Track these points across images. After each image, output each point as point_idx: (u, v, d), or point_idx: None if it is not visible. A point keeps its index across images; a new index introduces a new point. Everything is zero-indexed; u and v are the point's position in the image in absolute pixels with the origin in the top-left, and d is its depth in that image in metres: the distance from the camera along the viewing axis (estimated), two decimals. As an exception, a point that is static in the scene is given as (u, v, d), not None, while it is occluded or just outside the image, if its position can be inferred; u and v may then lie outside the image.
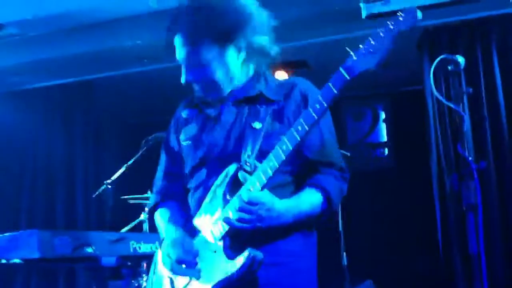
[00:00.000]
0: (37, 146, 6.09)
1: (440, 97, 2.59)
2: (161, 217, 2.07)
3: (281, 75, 5.74)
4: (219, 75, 1.95)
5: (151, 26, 5.03)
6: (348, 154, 4.74)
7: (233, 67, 1.97)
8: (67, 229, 4.51)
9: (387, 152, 6.66)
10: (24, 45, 5.42)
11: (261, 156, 1.81)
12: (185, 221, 1.97)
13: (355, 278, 4.72)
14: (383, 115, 6.73)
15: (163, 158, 2.17)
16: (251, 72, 2.02)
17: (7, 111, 6.09)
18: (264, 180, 1.76)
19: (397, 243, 5.93)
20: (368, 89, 6.59)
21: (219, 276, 1.79)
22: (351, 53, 1.81)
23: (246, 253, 1.74)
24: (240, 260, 1.75)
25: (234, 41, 1.93)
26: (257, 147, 1.84)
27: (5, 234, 3.05)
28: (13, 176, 6.03)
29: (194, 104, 2.09)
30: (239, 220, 1.74)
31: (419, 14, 1.68)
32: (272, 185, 1.80)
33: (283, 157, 1.75)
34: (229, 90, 1.99)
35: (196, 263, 1.85)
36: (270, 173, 1.75)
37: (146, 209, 3.89)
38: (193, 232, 1.91)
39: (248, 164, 1.82)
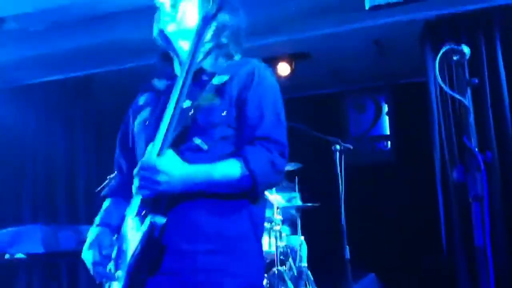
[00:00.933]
0: (38, 141, 6.06)
1: (446, 88, 2.56)
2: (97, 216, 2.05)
3: (284, 67, 5.73)
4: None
5: (152, 19, 5.01)
6: (351, 147, 4.73)
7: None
8: (70, 224, 4.51)
9: (390, 145, 6.65)
10: (24, 39, 5.40)
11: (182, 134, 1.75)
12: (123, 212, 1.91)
13: (358, 272, 4.72)
14: (385, 108, 6.72)
15: (116, 149, 2.15)
16: (207, 47, 1.91)
17: (8, 107, 6.07)
18: (159, 143, 1.69)
19: (400, 237, 5.92)
20: (370, 81, 6.57)
21: (129, 256, 1.72)
22: None
23: (145, 223, 1.66)
24: (138, 234, 1.68)
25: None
26: (179, 128, 1.73)
27: (9, 228, 3.05)
28: (15, 171, 6.02)
29: (151, 87, 2.05)
30: (137, 187, 1.69)
31: None
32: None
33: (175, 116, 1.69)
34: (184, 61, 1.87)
35: (105, 268, 1.81)
36: (163, 134, 1.69)
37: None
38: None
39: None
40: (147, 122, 1.94)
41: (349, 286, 4.36)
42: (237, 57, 1.99)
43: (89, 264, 1.85)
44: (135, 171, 1.70)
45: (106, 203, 2.08)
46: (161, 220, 1.65)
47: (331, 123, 6.34)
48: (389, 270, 5.49)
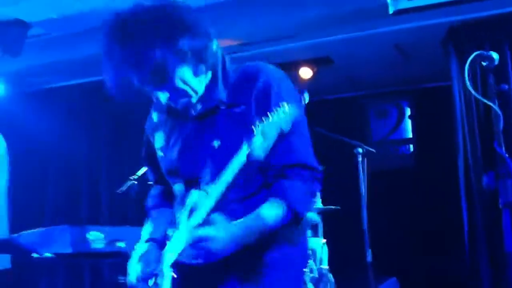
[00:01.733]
0: (62, 143, 6.14)
1: (478, 95, 2.56)
2: (146, 222, 2.05)
3: (305, 72, 5.74)
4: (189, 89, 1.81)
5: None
6: (374, 150, 4.73)
7: (191, 78, 1.79)
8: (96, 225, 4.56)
9: (413, 149, 6.62)
10: (49, 45, 5.47)
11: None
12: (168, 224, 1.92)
13: (379, 276, 4.71)
14: (408, 112, 6.69)
15: (148, 169, 2.12)
16: (206, 75, 1.84)
17: (32, 110, 6.15)
18: (205, 212, 1.68)
19: (423, 241, 5.90)
20: (392, 85, 6.56)
21: None
22: None
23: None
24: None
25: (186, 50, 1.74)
26: (216, 169, 1.73)
27: (38, 229, 3.10)
28: (38, 174, 6.10)
29: (164, 108, 1.96)
30: (192, 255, 1.70)
31: None
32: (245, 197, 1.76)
33: (230, 179, 1.64)
34: (195, 99, 1.84)
35: (146, 283, 1.83)
36: (215, 198, 1.67)
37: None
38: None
39: (205, 192, 1.72)
40: (163, 156, 1.94)
41: (371, 290, 4.36)
42: (227, 63, 1.90)
43: (132, 277, 1.87)
44: (184, 241, 1.70)
45: (150, 217, 2.06)
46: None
47: (352, 127, 6.34)
48: (411, 274, 5.47)
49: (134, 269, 1.87)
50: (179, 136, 1.90)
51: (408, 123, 6.67)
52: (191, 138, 1.87)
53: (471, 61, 2.41)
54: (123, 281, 4.11)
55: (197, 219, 1.70)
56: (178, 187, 1.91)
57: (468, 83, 2.34)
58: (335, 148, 4.92)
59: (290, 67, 5.77)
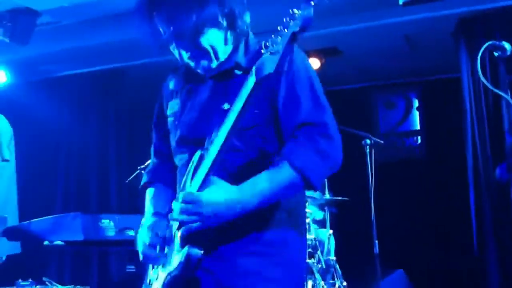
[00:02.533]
0: (71, 132, 6.18)
1: (490, 86, 2.54)
2: (146, 199, 2.03)
3: (314, 62, 5.73)
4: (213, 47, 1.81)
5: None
6: (381, 142, 4.73)
7: (218, 43, 1.82)
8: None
9: (420, 140, 6.61)
10: (58, 33, 5.48)
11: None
12: (169, 202, 1.86)
13: (386, 267, 4.72)
14: (416, 103, 6.68)
15: (153, 134, 2.09)
16: (230, 44, 1.85)
17: (42, 98, 6.18)
18: (203, 175, 1.65)
19: (430, 233, 5.90)
20: (401, 77, 6.54)
21: (169, 269, 1.75)
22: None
23: (183, 250, 1.67)
24: (177, 258, 1.70)
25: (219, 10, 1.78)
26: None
27: (50, 216, 3.12)
28: (48, 162, 6.13)
29: (182, 73, 1.98)
30: (182, 221, 1.67)
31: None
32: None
33: (223, 139, 1.60)
34: (215, 64, 1.84)
35: (163, 248, 1.81)
36: (209, 162, 1.63)
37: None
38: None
39: (208, 149, 1.69)
40: (176, 122, 1.93)
41: (377, 281, 4.36)
42: (251, 36, 1.90)
43: (141, 245, 1.86)
44: (176, 205, 1.68)
45: (150, 192, 2.05)
46: (197, 253, 1.67)
47: (360, 118, 6.32)
48: (418, 266, 5.47)
49: (142, 238, 1.87)
50: (194, 100, 1.89)
51: (416, 115, 6.66)
52: (204, 101, 1.86)
53: (485, 51, 2.40)
54: (131, 270, 4.14)
55: (197, 181, 1.68)
56: (182, 157, 1.90)
57: (481, 74, 2.33)
58: (343, 139, 4.93)
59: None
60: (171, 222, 1.81)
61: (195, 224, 1.65)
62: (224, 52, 1.84)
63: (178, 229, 1.72)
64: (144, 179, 2.09)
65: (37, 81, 6.27)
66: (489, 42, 2.34)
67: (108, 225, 2.94)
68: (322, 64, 5.77)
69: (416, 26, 5.14)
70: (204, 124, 1.81)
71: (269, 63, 1.53)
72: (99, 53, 5.77)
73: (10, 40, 4.96)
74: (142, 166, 4.52)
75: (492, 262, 4.43)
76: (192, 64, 1.85)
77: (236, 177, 1.71)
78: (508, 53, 2.40)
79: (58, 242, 3.05)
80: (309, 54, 5.65)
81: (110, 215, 3.07)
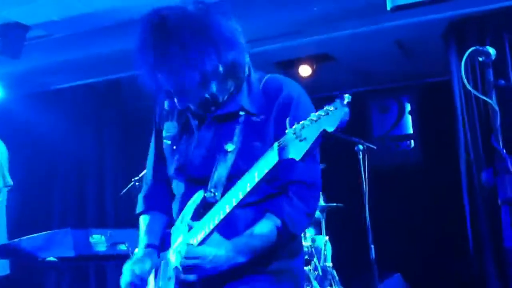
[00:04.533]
0: (68, 145, 6.17)
1: (473, 91, 2.56)
2: (140, 227, 2.05)
3: (305, 69, 5.74)
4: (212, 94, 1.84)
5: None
6: (375, 147, 4.73)
7: (216, 85, 1.83)
8: (98, 227, 4.58)
9: (414, 144, 6.61)
10: (51, 46, 5.49)
11: (230, 182, 1.72)
12: (163, 229, 1.95)
13: (383, 272, 4.71)
14: (409, 107, 6.68)
15: (151, 151, 2.09)
16: (231, 87, 1.87)
17: (37, 111, 6.18)
18: (209, 229, 1.69)
19: (426, 237, 5.89)
20: (393, 81, 6.54)
21: None
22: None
23: None
24: None
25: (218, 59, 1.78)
26: (225, 173, 1.77)
27: (40, 233, 3.11)
28: (45, 174, 6.13)
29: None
30: (184, 272, 1.72)
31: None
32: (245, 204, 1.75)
33: (238, 199, 1.64)
34: (213, 108, 1.88)
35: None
36: (220, 217, 1.67)
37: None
38: (167, 243, 1.89)
39: (212, 194, 1.76)
40: (174, 147, 1.93)
41: (375, 286, 4.35)
42: (252, 74, 1.91)
43: (125, 281, 1.88)
44: (177, 257, 1.73)
45: (145, 221, 2.05)
46: None
47: (354, 123, 6.28)
48: (415, 270, 5.47)
49: (127, 271, 1.88)
50: (195, 133, 1.90)
51: (409, 119, 6.67)
52: (205, 138, 1.87)
53: (469, 56, 2.41)
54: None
55: (199, 229, 1.71)
56: (179, 185, 1.92)
57: (465, 79, 2.33)
58: (337, 145, 4.92)
59: (289, 65, 5.78)
60: (166, 254, 1.84)
61: (191, 277, 1.72)
62: (222, 96, 1.85)
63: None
64: (140, 206, 2.09)
65: (32, 95, 6.27)
66: (473, 48, 2.35)
67: (99, 240, 2.93)
68: (313, 70, 5.78)
69: (407, 31, 5.16)
70: (206, 161, 1.84)
71: (295, 147, 1.53)
72: (94, 65, 5.77)
73: (1, 54, 4.98)
74: (136, 178, 4.53)
75: (489, 264, 4.42)
76: (198, 111, 1.88)
77: (236, 218, 1.78)
78: (493, 57, 2.41)
79: (51, 259, 3.04)
80: (301, 60, 5.73)
81: (101, 230, 3.07)
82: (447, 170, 5.14)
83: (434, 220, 5.86)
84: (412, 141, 6.62)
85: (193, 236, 1.73)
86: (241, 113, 1.84)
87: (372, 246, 4.40)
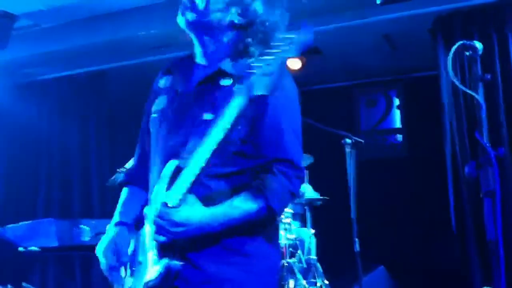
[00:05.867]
0: (52, 136, 6.13)
1: (460, 85, 2.57)
2: (118, 202, 2.04)
3: (295, 62, 5.73)
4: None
5: (164, 15, 5.03)
6: (362, 141, 4.74)
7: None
8: (84, 218, 4.57)
9: (401, 138, 6.64)
10: (38, 36, 5.45)
11: None
12: (142, 206, 1.91)
13: (367, 264, 4.74)
14: (397, 101, 6.71)
15: (140, 133, 2.08)
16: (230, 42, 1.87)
17: (22, 102, 6.13)
18: (185, 189, 1.66)
19: (411, 230, 5.92)
20: (381, 75, 6.56)
21: (146, 279, 1.76)
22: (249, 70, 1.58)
23: (162, 263, 1.71)
24: (156, 268, 1.73)
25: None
26: (200, 142, 1.69)
27: (23, 222, 3.09)
28: (29, 166, 6.08)
29: (169, 70, 2.00)
30: (155, 232, 1.71)
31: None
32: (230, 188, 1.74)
33: (208, 155, 1.62)
34: (210, 55, 1.87)
35: (119, 273, 1.84)
36: (192, 177, 1.65)
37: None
38: (142, 221, 1.86)
39: (184, 160, 1.70)
40: (159, 123, 1.91)
41: (359, 279, 4.38)
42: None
43: (103, 265, 1.87)
44: (151, 214, 1.71)
45: (123, 194, 2.04)
46: (176, 264, 1.72)
47: (341, 117, 6.34)
48: (399, 262, 5.50)
49: (103, 256, 1.87)
50: (178, 103, 1.89)
51: (397, 113, 6.69)
52: (184, 107, 1.86)
53: (456, 50, 2.41)
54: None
55: (176, 195, 1.68)
56: (155, 158, 1.89)
57: (451, 73, 2.34)
58: (324, 138, 4.93)
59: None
60: (143, 230, 1.81)
61: (162, 238, 1.69)
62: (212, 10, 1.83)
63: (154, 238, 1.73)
64: (120, 178, 2.08)
65: (17, 85, 6.22)
66: (460, 42, 2.35)
67: (84, 230, 2.92)
68: (303, 64, 5.77)
69: (395, 25, 5.17)
70: (181, 130, 1.81)
71: (261, 83, 1.54)
72: (79, 55, 5.74)
73: (-12, 44, 4.94)
74: (121, 169, 4.50)
75: (473, 257, 4.46)
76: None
77: (214, 194, 1.76)
78: (480, 52, 2.41)
79: (33, 248, 3.03)
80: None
81: (86, 220, 3.06)
82: (434, 164, 5.17)
83: (419, 213, 5.89)
84: (400, 135, 6.65)
85: (168, 200, 1.70)
86: (221, 79, 1.81)
87: (357, 239, 4.42)
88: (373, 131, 6.72)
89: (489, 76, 2.42)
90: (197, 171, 1.64)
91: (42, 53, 5.67)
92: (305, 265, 4.60)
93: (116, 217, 1.97)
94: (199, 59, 1.93)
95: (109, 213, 6.00)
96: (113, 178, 4.47)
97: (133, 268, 1.83)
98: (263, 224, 1.81)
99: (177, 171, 1.71)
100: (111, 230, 1.93)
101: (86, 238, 2.96)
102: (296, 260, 4.58)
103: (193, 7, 1.82)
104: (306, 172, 5.04)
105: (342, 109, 6.61)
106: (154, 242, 1.74)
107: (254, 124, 1.77)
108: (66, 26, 5.28)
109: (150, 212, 1.76)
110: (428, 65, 5.23)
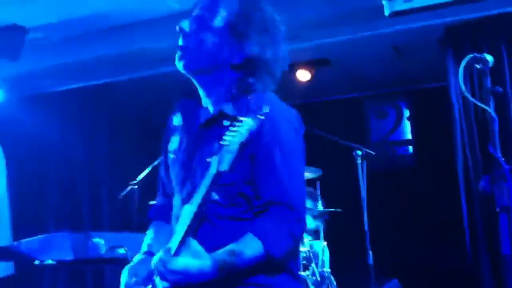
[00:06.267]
0: (62, 148, 6.16)
1: (471, 98, 2.56)
2: (147, 235, 2.04)
3: (303, 73, 5.75)
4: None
5: (171, 28, 5.05)
6: (373, 152, 4.74)
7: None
8: (94, 230, 4.59)
9: (412, 150, 6.63)
10: (47, 49, 5.50)
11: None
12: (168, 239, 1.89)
13: (381, 277, 4.71)
14: (407, 113, 6.70)
15: (163, 168, 2.05)
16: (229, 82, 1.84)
17: (31, 114, 6.16)
18: (184, 230, 1.64)
19: (423, 242, 5.90)
20: (390, 86, 6.56)
21: None
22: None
23: None
24: None
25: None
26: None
27: (38, 236, 3.11)
28: (39, 179, 6.11)
29: (183, 111, 1.98)
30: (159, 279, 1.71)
31: None
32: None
33: (205, 191, 1.61)
34: (209, 98, 1.86)
35: None
36: (191, 215, 1.63)
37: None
38: None
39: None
40: (175, 164, 1.92)
41: (372, 292, 4.36)
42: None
43: (122, 284, 1.88)
44: (153, 261, 1.70)
45: (151, 228, 2.04)
46: None
47: (351, 128, 6.35)
48: (412, 276, 5.46)
49: (124, 276, 1.88)
50: (185, 144, 1.89)
51: (407, 124, 6.68)
52: (192, 150, 1.85)
53: (466, 63, 2.41)
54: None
55: (177, 238, 1.67)
56: (176, 201, 1.91)
57: (463, 86, 2.34)
58: (335, 150, 4.94)
59: (288, 69, 5.78)
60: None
61: (165, 284, 1.69)
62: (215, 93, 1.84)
63: None
64: (149, 214, 2.09)
65: (28, 97, 6.26)
66: (471, 55, 2.36)
67: (98, 244, 2.94)
68: (311, 75, 5.79)
69: (405, 36, 5.18)
70: (193, 174, 1.81)
71: (226, 158, 1.55)
72: (90, 68, 5.78)
73: (0, 56, 4.99)
74: (134, 182, 4.53)
75: (485, 270, 4.42)
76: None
77: (223, 234, 1.74)
78: (490, 65, 2.42)
79: (49, 262, 3.04)
80: (299, 65, 5.75)
81: (100, 233, 3.07)
82: (445, 176, 5.15)
83: (432, 226, 5.87)
84: (410, 147, 6.64)
85: (171, 244, 1.69)
86: (224, 120, 1.74)
87: (370, 252, 4.40)
88: (383, 142, 6.71)
89: (500, 89, 2.42)
90: (195, 209, 1.62)
91: (52, 65, 5.72)
92: (318, 278, 4.58)
93: (144, 247, 1.98)
94: (203, 100, 1.92)
95: (119, 226, 6.01)
96: (126, 191, 4.50)
97: None
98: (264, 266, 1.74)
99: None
100: (137, 256, 1.95)
101: (101, 251, 2.98)
102: (309, 273, 4.57)
103: (185, 52, 1.83)
104: (317, 183, 5.05)
105: (351, 121, 6.61)
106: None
107: (253, 164, 1.74)
108: (76, 39, 5.32)
109: (155, 257, 1.74)
110: (437, 76, 5.24)
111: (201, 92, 1.90)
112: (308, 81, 5.79)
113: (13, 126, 5.95)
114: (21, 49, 5.11)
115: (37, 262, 3.12)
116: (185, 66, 1.83)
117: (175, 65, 1.90)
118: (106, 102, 6.22)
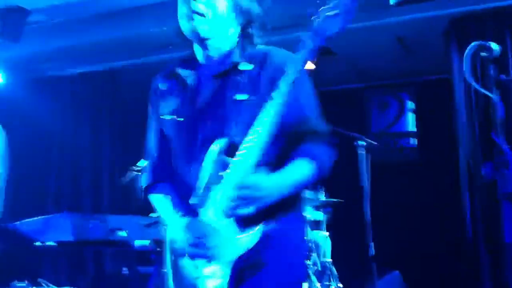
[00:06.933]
0: (64, 132, 6.17)
1: (476, 85, 2.56)
2: (160, 200, 2.03)
3: (308, 64, 5.73)
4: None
5: (177, 12, 5.01)
6: (376, 144, 4.72)
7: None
8: (94, 213, 4.59)
9: (413, 141, 6.61)
10: (50, 32, 5.47)
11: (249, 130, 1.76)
12: (181, 201, 1.93)
13: (382, 269, 4.71)
14: (409, 104, 6.68)
15: (150, 134, 2.07)
16: (235, 39, 1.97)
17: (34, 97, 6.16)
18: (252, 162, 1.71)
19: (425, 234, 5.89)
20: (393, 78, 6.54)
21: (235, 252, 1.76)
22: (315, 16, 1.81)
23: (259, 228, 1.75)
24: (247, 238, 1.75)
25: None
26: (244, 120, 1.79)
27: (38, 217, 3.11)
28: (40, 162, 6.11)
29: (173, 74, 2.02)
30: (236, 207, 1.73)
31: None
32: (260, 164, 1.76)
33: (268, 131, 1.72)
34: (217, 55, 1.94)
35: (206, 245, 1.80)
36: (258, 151, 1.72)
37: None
38: (192, 212, 1.85)
39: (237, 139, 1.77)
40: (180, 116, 1.93)
41: (373, 283, 4.35)
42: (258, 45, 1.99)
43: (182, 243, 1.85)
44: (230, 191, 1.73)
45: (163, 190, 2.03)
46: (274, 226, 1.78)
47: (353, 119, 6.33)
48: (414, 267, 5.47)
49: (182, 236, 1.85)
50: (193, 92, 1.94)
51: (409, 116, 6.66)
52: (209, 92, 1.92)
53: (471, 51, 2.41)
54: (126, 272, 4.13)
55: (240, 169, 1.72)
56: (191, 153, 1.90)
57: (468, 73, 2.33)
58: (337, 140, 4.93)
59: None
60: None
61: (249, 209, 1.72)
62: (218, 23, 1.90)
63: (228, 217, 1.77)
64: (148, 178, 2.08)
65: (30, 80, 6.25)
66: (476, 43, 2.35)
67: (99, 226, 2.94)
68: (315, 65, 5.76)
69: (408, 27, 5.16)
70: (218, 118, 1.86)
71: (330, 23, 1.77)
72: (92, 52, 5.76)
73: (1, 37, 4.97)
74: (135, 167, 4.52)
75: (486, 264, 4.43)
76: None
77: (272, 167, 1.82)
78: (495, 53, 2.41)
79: (50, 243, 3.04)
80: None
81: (100, 215, 3.07)
82: (447, 167, 5.15)
83: (434, 217, 5.86)
84: (411, 138, 6.62)
85: (236, 172, 1.73)
86: (237, 68, 1.90)
87: (372, 243, 4.40)
88: (384, 133, 6.69)
89: (504, 77, 2.42)
90: (260, 145, 1.71)
91: (55, 48, 5.70)
92: (320, 268, 4.58)
93: (169, 208, 1.98)
94: (203, 59, 1.98)
95: (119, 209, 6.00)
96: (126, 175, 4.49)
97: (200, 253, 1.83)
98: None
99: (229, 146, 1.78)
100: (178, 217, 1.92)
101: (101, 233, 2.97)
102: (311, 263, 4.56)
103: (202, 18, 1.89)
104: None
105: (353, 111, 6.59)
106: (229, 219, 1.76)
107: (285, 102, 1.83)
108: (78, 21, 5.29)
109: (215, 193, 1.78)
110: (441, 68, 5.22)
111: (199, 51, 1.97)
112: (311, 71, 5.77)
113: (17, 108, 5.94)
114: (21, 31, 5.09)
115: (38, 243, 3.12)
116: (203, 32, 1.89)
117: (179, 50, 1.99)
118: (108, 86, 6.20)
